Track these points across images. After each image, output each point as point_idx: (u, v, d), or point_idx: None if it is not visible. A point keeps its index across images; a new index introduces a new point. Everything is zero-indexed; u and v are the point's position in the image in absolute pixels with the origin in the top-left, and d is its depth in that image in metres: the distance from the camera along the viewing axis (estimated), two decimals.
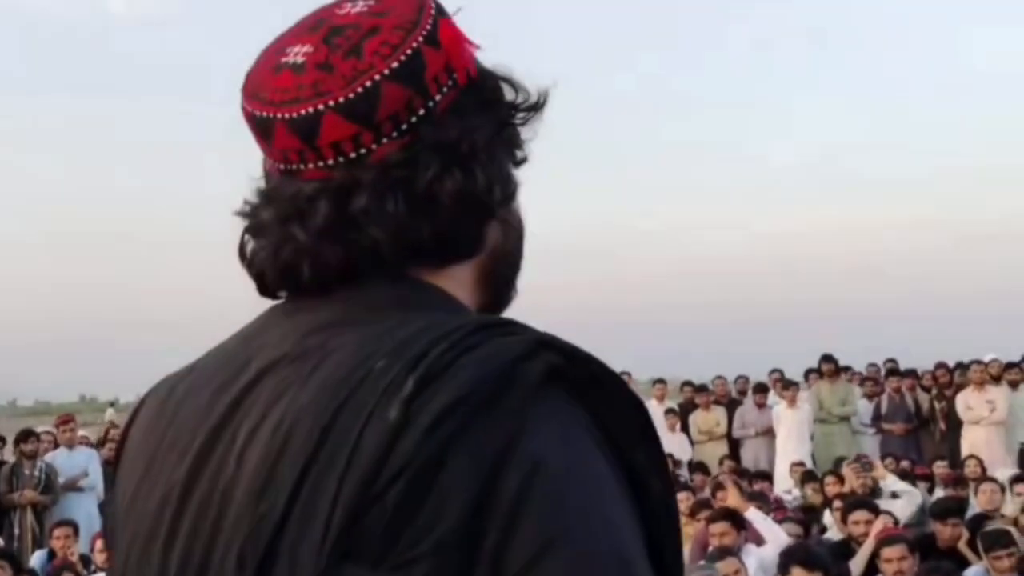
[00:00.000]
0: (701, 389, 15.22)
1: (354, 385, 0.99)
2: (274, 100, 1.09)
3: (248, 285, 1.17)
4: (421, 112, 1.09)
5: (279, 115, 1.09)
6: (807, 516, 9.22)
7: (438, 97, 1.10)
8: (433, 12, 1.12)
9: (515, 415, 0.96)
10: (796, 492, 11.36)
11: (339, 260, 1.08)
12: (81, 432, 13.66)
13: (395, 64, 1.07)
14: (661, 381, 15.88)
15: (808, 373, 15.08)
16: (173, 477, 1.09)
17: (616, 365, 1.08)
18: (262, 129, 1.11)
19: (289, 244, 1.09)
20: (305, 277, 1.09)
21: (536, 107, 1.17)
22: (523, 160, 1.18)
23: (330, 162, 1.08)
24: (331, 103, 1.06)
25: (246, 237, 1.15)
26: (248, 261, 1.15)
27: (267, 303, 1.18)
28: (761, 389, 14.93)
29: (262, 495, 0.99)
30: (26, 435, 11.82)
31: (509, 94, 1.16)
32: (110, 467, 12.64)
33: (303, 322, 1.10)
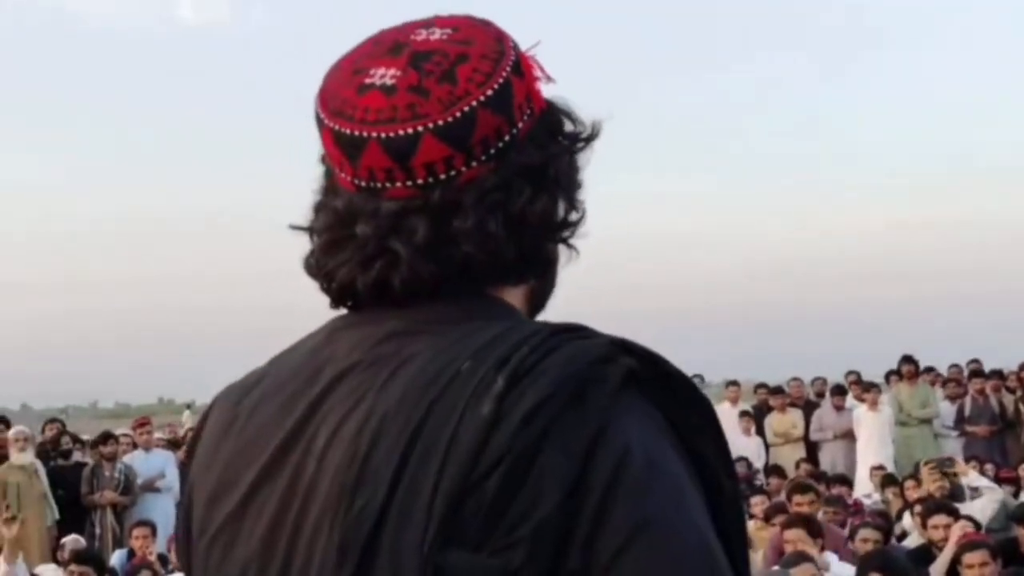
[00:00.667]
0: (776, 391, 15.02)
1: (443, 385, 1.05)
2: (366, 119, 1.13)
3: (314, 296, 1.23)
4: (507, 138, 1.14)
5: (374, 134, 1.12)
6: (887, 521, 9.03)
7: (520, 125, 1.16)
8: (512, 44, 1.19)
9: (601, 412, 1.03)
10: (876, 496, 11.17)
11: (431, 275, 1.13)
12: (157, 434, 13.85)
13: (489, 92, 1.13)
14: (734, 383, 15.73)
15: (889, 375, 14.84)
16: (250, 482, 1.15)
17: (687, 368, 1.15)
18: (349, 146, 1.14)
19: (383, 259, 1.13)
20: (396, 290, 1.14)
21: (591, 138, 1.23)
22: (580, 187, 1.23)
23: (419, 182, 1.12)
24: (430, 125, 1.11)
25: (316, 252, 1.20)
26: (324, 273, 1.19)
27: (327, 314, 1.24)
28: (839, 391, 14.72)
29: (356, 491, 1.04)
30: (105, 437, 12.05)
31: (568, 125, 1.22)
32: (186, 468, 12.75)
33: (372, 332, 1.15)
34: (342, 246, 1.17)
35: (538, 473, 1.00)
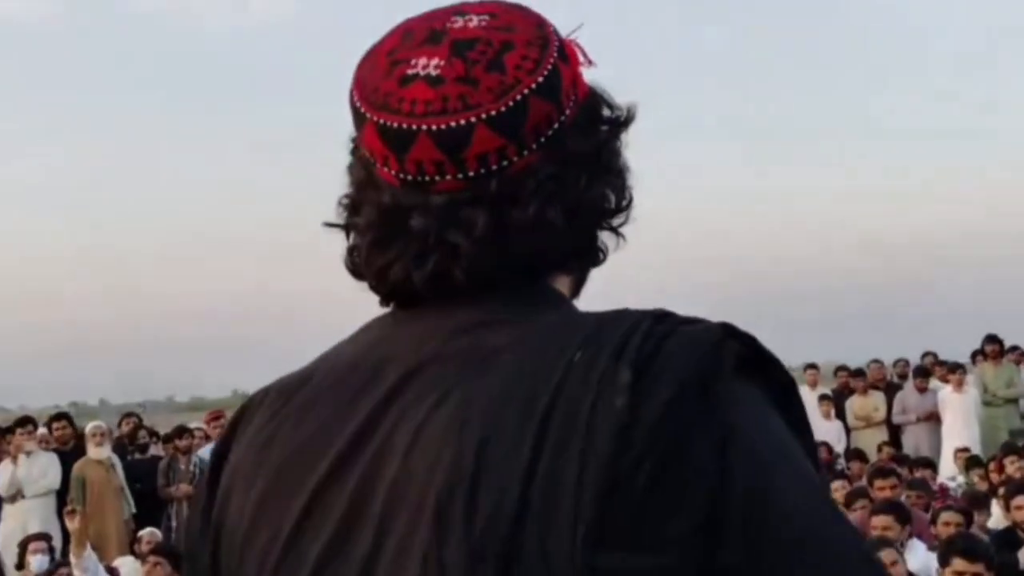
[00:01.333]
0: (857, 374, 14.76)
1: (558, 379, 1.00)
2: (415, 112, 1.10)
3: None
4: (556, 126, 1.12)
5: (423, 127, 1.09)
6: (971, 504, 8.80)
7: (567, 111, 1.14)
8: (553, 29, 1.17)
9: (728, 401, 1.00)
10: (961, 479, 10.95)
11: (492, 267, 1.10)
12: None
13: (540, 79, 1.10)
14: (813, 366, 15.42)
15: (973, 355, 14.58)
16: (314, 483, 1.10)
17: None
18: (396, 140, 1.11)
19: (440, 252, 1.10)
20: (456, 283, 1.11)
21: (629, 122, 1.20)
22: (629, 173, 1.22)
23: (470, 174, 1.10)
24: (483, 116, 1.08)
25: (361, 247, 1.17)
26: (376, 271, 1.16)
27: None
28: (922, 373, 14.41)
29: (474, 492, 0.98)
30: (180, 431, 12.16)
31: (607, 110, 1.19)
32: (218, 465, 12.87)
33: (438, 326, 1.12)
34: (392, 242, 1.13)
35: (683, 467, 0.96)
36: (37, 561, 8.58)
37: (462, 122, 1.08)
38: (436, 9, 1.19)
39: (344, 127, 1.20)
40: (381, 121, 1.12)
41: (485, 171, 1.10)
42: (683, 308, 1.09)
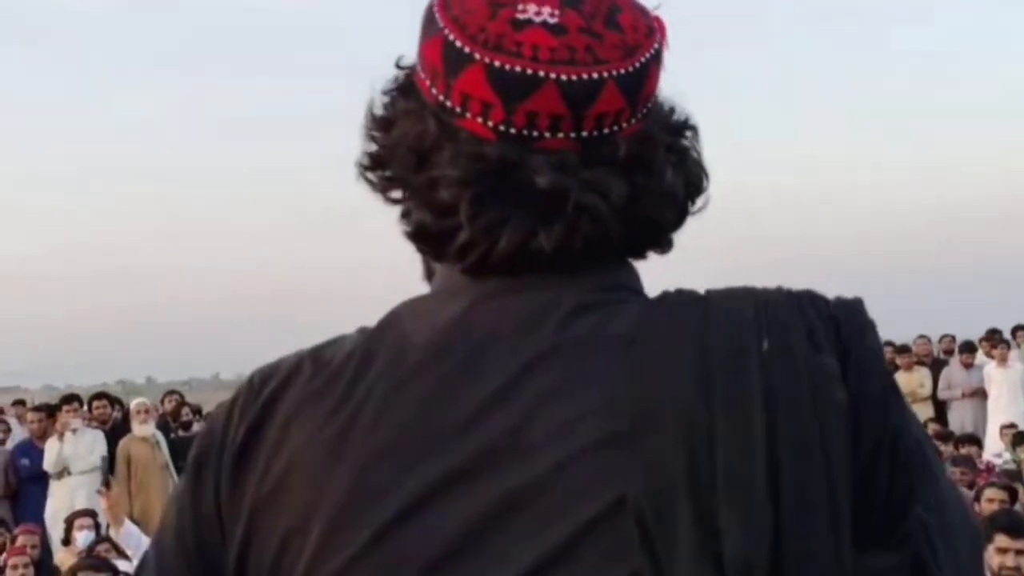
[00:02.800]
0: (903, 350, 14.58)
1: (757, 368, 0.93)
2: (538, 57, 1.01)
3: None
4: (655, 96, 1.07)
5: (552, 75, 1.00)
6: (1017, 479, 8.70)
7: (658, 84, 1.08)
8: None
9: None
10: (1007, 455, 10.84)
11: (616, 237, 1.03)
12: None
13: (655, 46, 1.05)
14: None
15: (1016, 330, 14.39)
16: (426, 481, 0.97)
17: None
18: (514, 86, 1.01)
19: (572, 215, 1.01)
20: (577, 251, 1.02)
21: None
22: None
23: (583, 134, 1.02)
24: (613, 72, 1.02)
25: (469, 204, 1.02)
26: (483, 230, 1.03)
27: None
28: (968, 348, 14.24)
29: (703, 503, 0.89)
30: None
31: None
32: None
33: (547, 304, 1.03)
34: (499, 199, 1.02)
35: (905, 454, 0.94)
36: (83, 537, 8.67)
37: (594, 76, 1.01)
38: None
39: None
40: (497, 64, 1.01)
41: (598, 133, 1.02)
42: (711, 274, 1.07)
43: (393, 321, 1.08)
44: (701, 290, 1.02)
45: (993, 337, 14.14)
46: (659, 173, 1.04)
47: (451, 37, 1.04)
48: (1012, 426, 11.87)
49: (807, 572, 0.88)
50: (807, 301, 0.98)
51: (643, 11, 1.08)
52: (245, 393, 1.10)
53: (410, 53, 1.13)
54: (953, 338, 15.28)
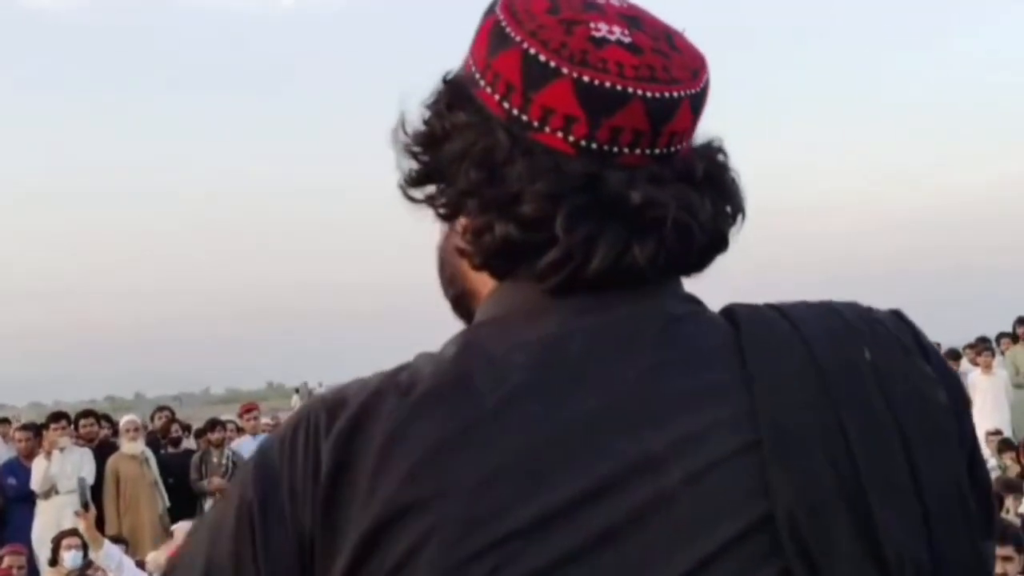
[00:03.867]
0: None
1: (870, 374, 1.00)
2: (624, 74, 1.02)
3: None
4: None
5: (639, 91, 1.01)
6: (1004, 488, 8.74)
7: None
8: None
9: None
10: (993, 462, 10.87)
11: (687, 255, 1.05)
12: (264, 420, 14.05)
13: (709, 68, 1.08)
14: None
15: (1000, 337, 14.46)
16: (552, 500, 0.95)
17: None
18: (601, 101, 1.01)
19: (663, 232, 1.02)
20: (660, 267, 1.03)
21: None
22: None
23: (657, 151, 1.03)
24: (687, 92, 1.04)
25: (566, 220, 1.01)
26: (578, 243, 1.02)
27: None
28: (953, 356, 14.32)
29: (859, 510, 0.94)
30: (212, 424, 12.28)
31: None
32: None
33: (635, 317, 1.04)
34: (590, 215, 1.01)
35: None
36: (70, 557, 8.63)
37: (674, 94, 1.03)
38: None
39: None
40: (586, 79, 1.01)
41: (668, 150, 1.04)
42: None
43: (471, 344, 1.06)
44: (762, 303, 1.08)
45: (978, 345, 14.20)
46: (731, 194, 1.07)
47: (533, 51, 1.04)
48: (997, 432, 11.92)
49: (957, 565, 0.97)
50: (877, 313, 1.07)
51: (681, 34, 1.11)
52: (311, 428, 1.03)
53: (455, 67, 1.13)
54: (938, 345, 15.32)
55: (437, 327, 1.14)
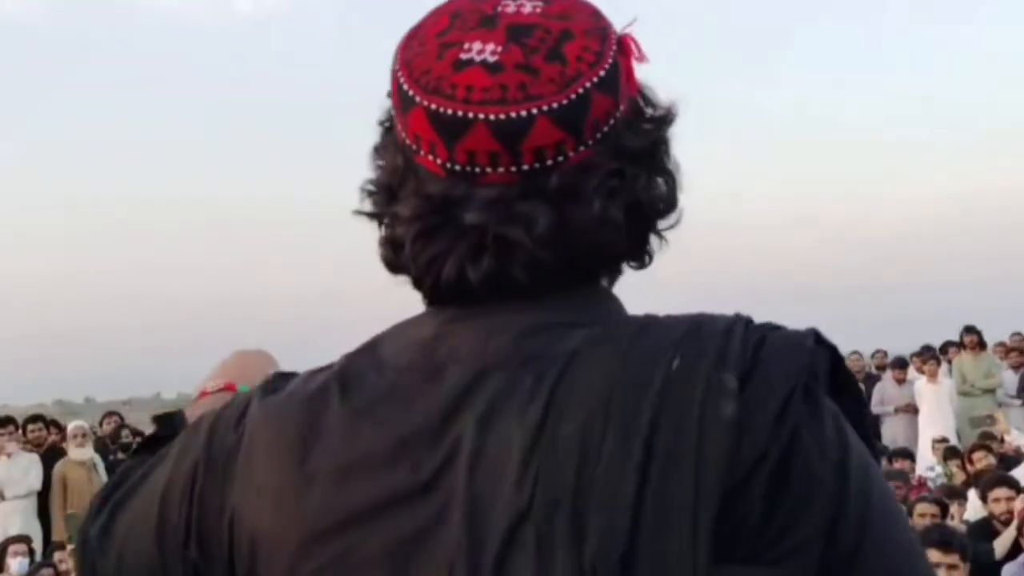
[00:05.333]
0: None
1: (658, 388, 0.98)
2: (471, 99, 1.05)
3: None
4: (612, 121, 1.09)
5: (481, 115, 1.05)
6: (947, 495, 8.86)
7: (623, 107, 1.10)
8: (609, 21, 1.12)
9: (832, 410, 1.01)
10: (939, 469, 11.00)
11: (553, 266, 1.07)
12: None
13: (602, 72, 1.07)
14: None
15: (946, 346, 14.65)
16: (392, 487, 1.05)
17: None
18: (450, 127, 1.06)
19: (499, 248, 1.06)
20: (516, 282, 1.07)
21: (672, 121, 1.16)
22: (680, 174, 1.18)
23: (524, 167, 1.05)
24: (544, 108, 1.04)
25: (411, 240, 1.10)
26: (424, 265, 1.10)
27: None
28: (900, 364, 14.49)
29: (579, 512, 0.96)
30: None
31: (650, 108, 1.15)
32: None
33: (502, 327, 1.08)
34: (440, 235, 1.08)
35: (801, 476, 0.96)
36: (17, 564, 8.57)
37: (523, 113, 1.04)
38: None
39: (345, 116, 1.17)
40: (433, 107, 1.07)
41: (540, 165, 1.06)
42: (664, 300, 1.13)
43: (375, 344, 1.15)
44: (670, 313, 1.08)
45: (925, 354, 14.36)
46: (587, 201, 1.06)
47: (401, 79, 1.10)
48: (943, 440, 12.06)
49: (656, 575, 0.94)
50: (742, 326, 1.02)
51: (599, 35, 1.10)
52: (231, 410, 1.20)
53: None
54: (885, 354, 15.52)
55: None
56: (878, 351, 15.75)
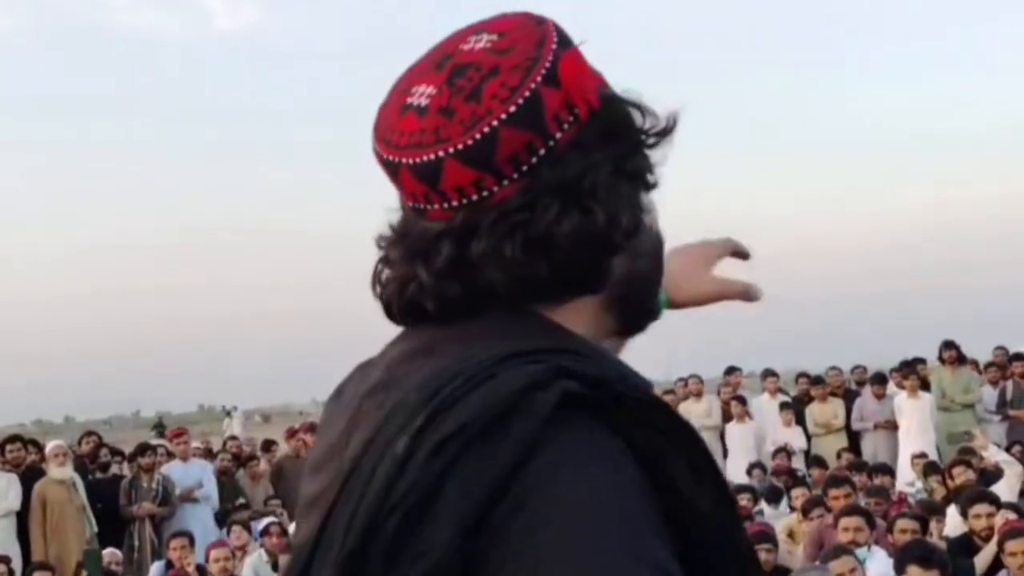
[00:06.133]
0: (817, 381, 14.81)
1: (382, 420, 1.06)
2: (400, 144, 1.12)
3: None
4: (542, 152, 1.09)
5: (403, 160, 1.11)
6: (927, 510, 8.89)
7: (559, 135, 1.10)
8: (555, 47, 1.12)
9: (519, 444, 0.98)
10: (919, 484, 11.03)
11: (459, 297, 1.11)
12: (194, 444, 13.96)
13: (512, 108, 1.08)
14: (772, 373, 15.34)
15: (921, 361, 14.66)
16: (318, 488, 1.15)
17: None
18: (389, 171, 1.15)
19: (413, 281, 1.14)
20: (430, 312, 1.13)
21: (666, 132, 1.16)
22: (654, 185, 1.18)
23: (454, 204, 1.10)
24: (451, 150, 1.08)
25: (379, 267, 1.21)
26: (379, 290, 1.20)
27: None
28: (879, 379, 14.49)
29: (319, 518, 1.09)
30: (143, 449, 12.11)
31: (638, 119, 1.15)
32: (224, 477, 12.87)
33: (400, 351, 1.17)
34: (390, 265, 1.19)
35: (435, 513, 0.98)
36: None
37: (431, 156, 1.09)
38: (476, 23, 1.18)
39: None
40: (379, 151, 1.15)
41: (467, 201, 1.10)
42: None
43: (374, 359, 1.24)
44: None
45: (904, 368, 14.41)
46: (480, 237, 1.09)
47: (373, 123, 1.18)
48: (923, 455, 12.08)
49: None
50: (492, 360, 1.05)
51: (524, 69, 1.10)
52: None
53: None
54: (864, 369, 15.50)
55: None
56: (857, 366, 15.76)
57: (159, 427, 14.54)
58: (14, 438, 12.61)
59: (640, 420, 1.04)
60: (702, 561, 1.03)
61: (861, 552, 7.02)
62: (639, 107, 1.16)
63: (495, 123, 1.08)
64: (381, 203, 1.21)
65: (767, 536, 7.90)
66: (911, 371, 14.03)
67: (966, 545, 7.65)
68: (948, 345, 14.15)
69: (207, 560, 9.29)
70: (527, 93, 1.08)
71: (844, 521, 7.57)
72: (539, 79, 1.09)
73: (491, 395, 1.01)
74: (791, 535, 9.02)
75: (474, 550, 0.97)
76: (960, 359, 14.19)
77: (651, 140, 1.16)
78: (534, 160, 1.09)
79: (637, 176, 1.15)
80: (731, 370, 15.44)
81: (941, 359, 14.27)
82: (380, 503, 1.00)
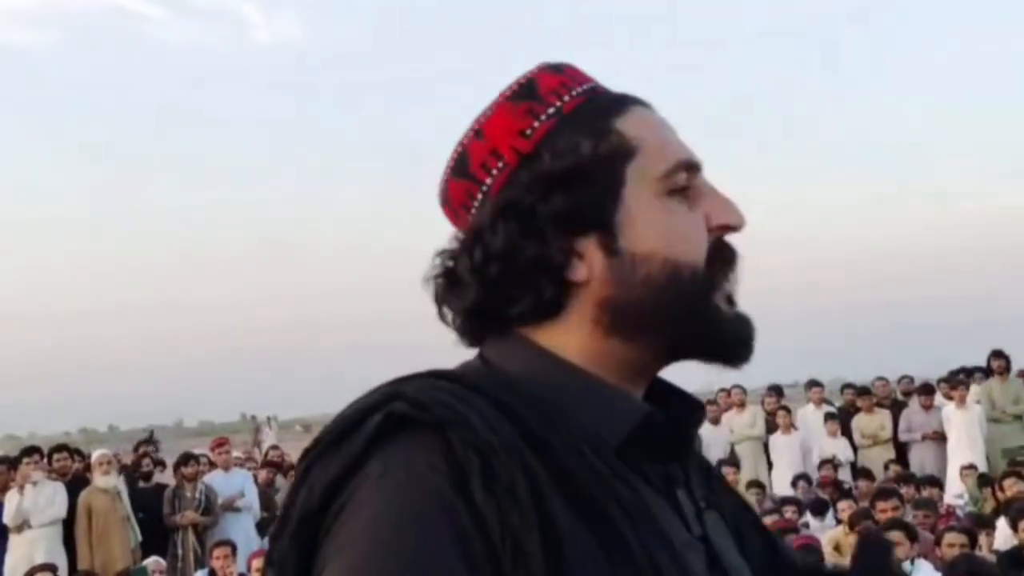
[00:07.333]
0: (863, 392, 14.66)
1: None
2: None
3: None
4: (479, 196, 1.23)
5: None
6: (976, 524, 8.75)
7: (489, 180, 1.22)
8: (498, 100, 1.24)
9: (350, 457, 1.08)
10: (967, 497, 10.89)
11: (460, 329, 1.26)
12: (235, 453, 14.05)
13: (451, 163, 1.26)
14: (817, 383, 15.19)
15: (973, 371, 14.46)
16: None
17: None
18: None
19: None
20: (455, 328, 1.27)
21: (607, 158, 1.19)
22: (600, 208, 1.19)
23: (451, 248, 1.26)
24: (438, 199, 1.28)
25: None
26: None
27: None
28: (927, 390, 14.30)
29: None
30: (186, 459, 12.18)
31: (585, 147, 1.19)
32: (266, 488, 12.93)
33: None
34: None
35: (298, 502, 1.10)
36: None
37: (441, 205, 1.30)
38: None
39: None
40: None
41: (452, 248, 1.25)
42: None
43: None
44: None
45: (952, 379, 14.22)
46: (439, 270, 1.25)
47: None
48: (972, 467, 11.93)
49: None
50: (378, 385, 1.15)
51: (471, 128, 1.25)
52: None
53: None
54: (911, 379, 15.27)
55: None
56: (904, 377, 15.55)
57: (150, 442, 14.59)
58: (60, 447, 12.74)
59: (452, 441, 1.07)
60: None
61: (904, 566, 6.91)
62: (590, 130, 1.20)
63: (445, 177, 1.27)
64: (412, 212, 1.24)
65: (812, 549, 7.80)
66: (959, 381, 13.84)
67: (1017, 558, 7.51)
68: (997, 354, 13.92)
69: (249, 569, 9.32)
70: (460, 149, 1.25)
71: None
72: (471, 135, 1.25)
73: (341, 418, 1.12)
74: (837, 548, 8.91)
75: (318, 544, 1.07)
76: (1008, 368, 13.97)
77: (602, 164, 1.19)
78: (475, 204, 1.23)
79: (580, 206, 1.18)
80: (774, 389, 15.27)
81: (989, 368, 14.08)
82: (282, 519, 1.12)
